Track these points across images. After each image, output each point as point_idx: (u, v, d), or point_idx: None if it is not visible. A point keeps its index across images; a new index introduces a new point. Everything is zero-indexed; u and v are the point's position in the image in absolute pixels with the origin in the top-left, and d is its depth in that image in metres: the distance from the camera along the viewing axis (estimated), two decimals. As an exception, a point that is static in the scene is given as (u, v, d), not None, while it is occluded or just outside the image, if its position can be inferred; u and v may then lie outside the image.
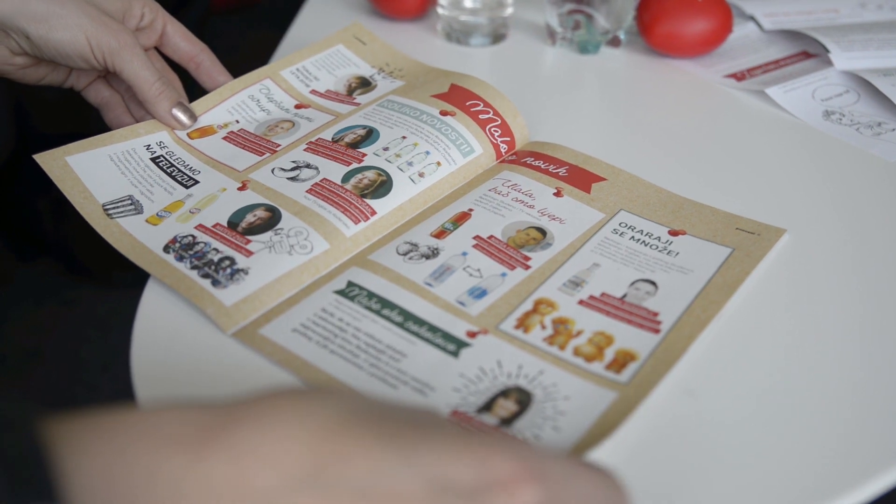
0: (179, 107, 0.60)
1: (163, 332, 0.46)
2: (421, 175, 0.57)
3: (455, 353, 0.45)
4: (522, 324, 0.47)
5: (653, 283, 0.50)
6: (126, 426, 0.28)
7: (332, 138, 0.59)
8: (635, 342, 0.46)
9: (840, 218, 0.57)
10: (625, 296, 0.49)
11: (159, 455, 0.27)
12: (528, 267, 0.51)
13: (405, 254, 0.51)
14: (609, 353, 0.45)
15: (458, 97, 0.63)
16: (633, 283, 0.50)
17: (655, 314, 0.47)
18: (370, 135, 0.59)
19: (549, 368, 0.44)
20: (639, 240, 0.53)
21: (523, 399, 0.42)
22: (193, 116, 0.61)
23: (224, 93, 0.64)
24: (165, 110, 0.59)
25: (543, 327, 0.47)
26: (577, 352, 0.45)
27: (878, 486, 0.39)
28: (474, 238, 0.53)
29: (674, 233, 0.54)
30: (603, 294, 0.49)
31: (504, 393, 0.43)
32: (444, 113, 0.61)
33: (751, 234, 0.54)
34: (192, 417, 0.28)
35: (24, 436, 0.26)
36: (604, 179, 0.59)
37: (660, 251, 0.52)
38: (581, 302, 0.48)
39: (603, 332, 0.46)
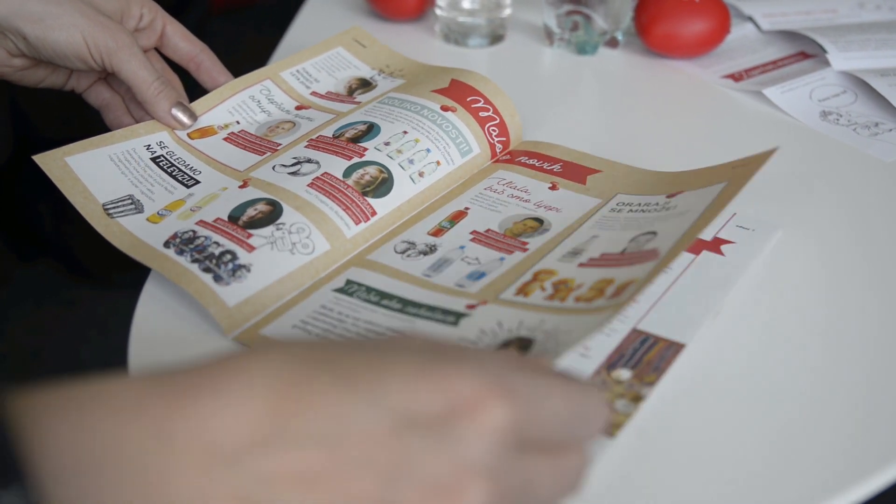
0: (179, 107, 0.60)
1: (160, 334, 0.47)
2: (421, 175, 0.57)
3: (455, 323, 0.45)
4: (522, 291, 0.47)
5: (653, 233, 0.50)
6: (89, 398, 0.28)
7: (333, 134, 0.60)
8: (634, 273, 0.46)
9: (837, 218, 0.57)
10: (624, 250, 0.49)
11: (124, 424, 0.27)
12: (525, 249, 0.51)
13: (403, 252, 0.52)
14: (610, 290, 0.45)
15: (459, 92, 0.63)
16: (632, 239, 0.50)
17: (654, 249, 0.47)
18: (371, 130, 0.59)
19: (550, 317, 0.44)
20: (637, 210, 0.53)
21: (525, 345, 0.43)
22: (193, 116, 0.61)
23: (224, 93, 0.64)
24: (164, 110, 0.59)
25: (543, 290, 0.47)
26: (578, 299, 0.45)
27: (877, 484, 0.39)
28: (472, 233, 0.53)
29: (672, 195, 0.54)
30: (602, 255, 0.49)
31: (505, 344, 0.43)
32: (444, 108, 0.61)
33: (744, 167, 0.53)
34: (153, 386, 0.28)
35: None
36: (599, 171, 0.59)
37: (659, 210, 0.52)
38: (581, 265, 0.49)
39: (603, 278, 0.46)
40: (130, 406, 0.27)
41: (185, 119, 0.60)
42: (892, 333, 0.48)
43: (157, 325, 0.47)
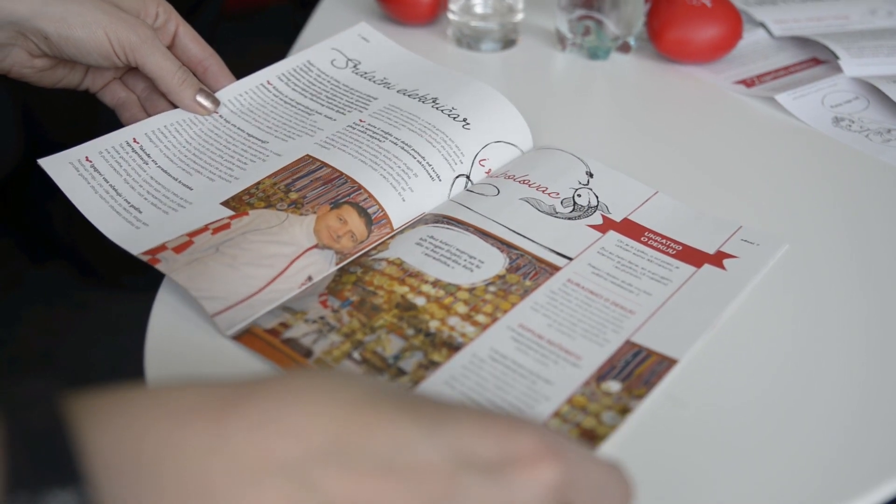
0: (202, 93, 0.61)
1: (176, 335, 0.47)
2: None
3: None
4: None
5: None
6: (144, 401, 0.27)
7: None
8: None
9: (849, 225, 0.57)
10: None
11: (179, 426, 0.27)
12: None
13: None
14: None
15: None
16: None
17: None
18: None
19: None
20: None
21: None
22: (216, 102, 0.62)
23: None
24: (190, 98, 0.61)
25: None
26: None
27: (877, 497, 0.39)
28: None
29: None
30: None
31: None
32: None
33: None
34: (210, 391, 0.28)
35: (46, 413, 0.25)
36: None
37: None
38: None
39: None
40: (187, 408, 0.27)
41: (209, 105, 0.62)
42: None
43: (173, 327, 0.47)
